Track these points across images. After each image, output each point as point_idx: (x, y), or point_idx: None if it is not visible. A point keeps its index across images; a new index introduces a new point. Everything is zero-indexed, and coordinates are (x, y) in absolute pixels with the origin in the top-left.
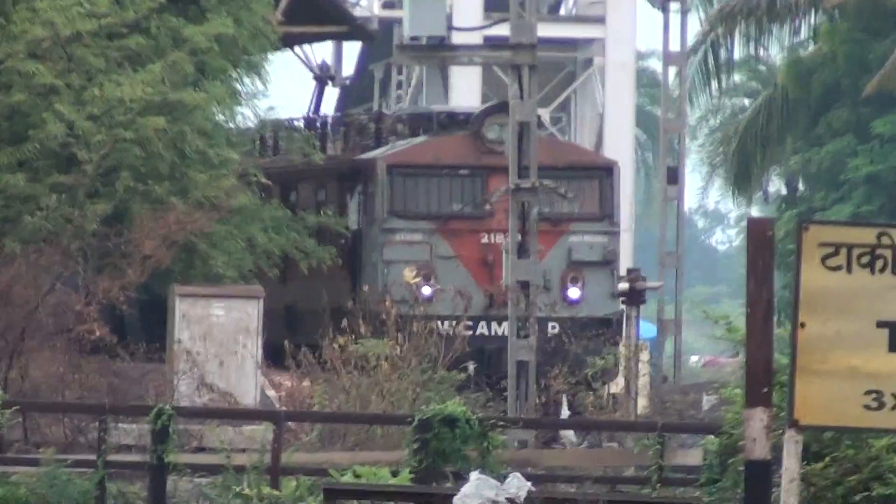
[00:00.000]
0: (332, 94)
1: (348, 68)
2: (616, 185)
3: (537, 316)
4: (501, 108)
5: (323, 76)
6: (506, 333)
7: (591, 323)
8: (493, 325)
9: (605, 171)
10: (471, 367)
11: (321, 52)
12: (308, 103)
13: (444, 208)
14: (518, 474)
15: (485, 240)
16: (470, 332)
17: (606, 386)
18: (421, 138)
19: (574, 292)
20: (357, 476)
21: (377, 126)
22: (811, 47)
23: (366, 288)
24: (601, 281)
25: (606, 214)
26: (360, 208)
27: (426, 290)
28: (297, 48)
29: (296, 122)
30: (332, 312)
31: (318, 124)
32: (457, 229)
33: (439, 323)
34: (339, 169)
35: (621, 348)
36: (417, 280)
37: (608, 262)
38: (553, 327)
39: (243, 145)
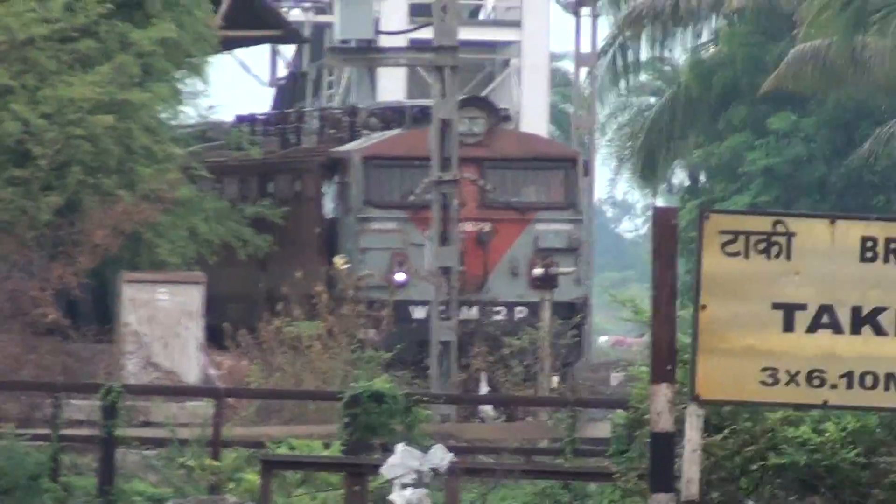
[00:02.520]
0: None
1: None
2: (580, 175)
3: (505, 301)
4: (471, 102)
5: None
6: (474, 315)
7: (557, 307)
8: (465, 308)
9: (570, 162)
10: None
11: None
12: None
13: (416, 198)
14: (441, 446)
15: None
16: (443, 315)
17: (525, 364)
18: (394, 131)
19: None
20: (292, 448)
21: (351, 120)
22: (712, 49)
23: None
24: (566, 266)
25: (571, 203)
26: (336, 198)
27: (400, 277)
28: (235, 51)
29: (261, 118)
30: (308, 297)
31: (290, 119)
32: (429, 218)
33: (412, 307)
34: (315, 161)
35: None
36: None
37: (573, 248)
38: (520, 311)
39: (187, 142)
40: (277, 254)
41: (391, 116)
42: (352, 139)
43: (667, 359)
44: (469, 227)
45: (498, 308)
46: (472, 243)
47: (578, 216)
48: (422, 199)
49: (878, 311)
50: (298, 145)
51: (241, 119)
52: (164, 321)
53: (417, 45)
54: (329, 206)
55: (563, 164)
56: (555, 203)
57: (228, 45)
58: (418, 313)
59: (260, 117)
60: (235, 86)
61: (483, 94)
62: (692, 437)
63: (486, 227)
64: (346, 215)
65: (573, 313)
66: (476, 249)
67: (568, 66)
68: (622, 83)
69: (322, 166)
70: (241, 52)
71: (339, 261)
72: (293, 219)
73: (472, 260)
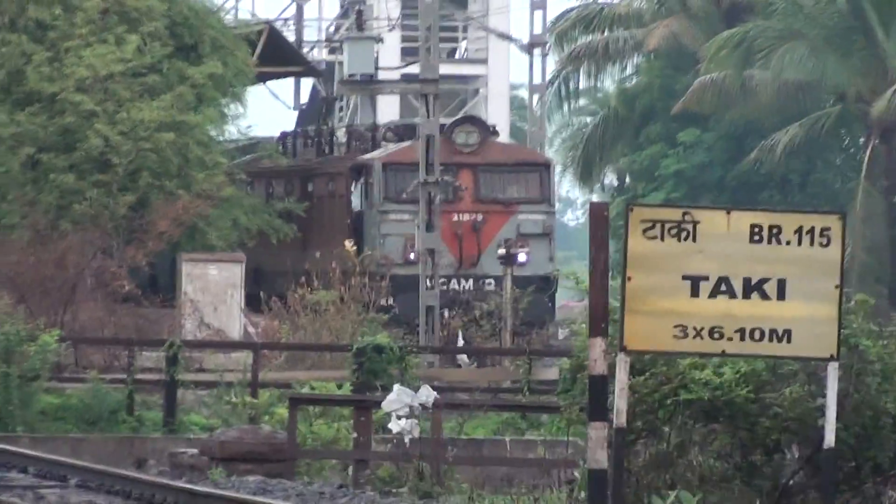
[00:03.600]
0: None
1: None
2: (552, 176)
3: (494, 275)
4: (467, 120)
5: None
6: (469, 287)
7: (535, 279)
8: (462, 281)
9: (545, 167)
10: (446, 312)
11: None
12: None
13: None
14: (427, 386)
15: (455, 218)
16: (444, 286)
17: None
18: (407, 143)
19: (522, 256)
20: (313, 388)
21: (373, 134)
22: (634, 80)
23: (368, 252)
24: (542, 248)
25: (545, 198)
26: (361, 195)
27: (412, 256)
28: (267, 83)
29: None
30: (343, 273)
31: (324, 134)
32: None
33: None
34: (345, 167)
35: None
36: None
37: (547, 234)
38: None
39: (232, 154)
40: (316, 238)
41: (404, 132)
42: (373, 149)
43: (601, 318)
44: (466, 217)
45: (489, 280)
46: (468, 230)
47: (551, 209)
48: (448, 192)
49: (763, 281)
50: (331, 154)
51: (285, 135)
52: (213, 291)
53: (408, 78)
54: (356, 202)
55: (538, 168)
56: (533, 198)
57: (262, 78)
58: (427, 285)
59: (300, 133)
60: (267, 109)
61: (458, 116)
62: (621, 378)
63: (479, 217)
64: (369, 209)
65: (547, 283)
66: (471, 235)
67: (524, 93)
68: (565, 107)
69: (351, 170)
70: (271, 84)
71: (348, 245)
72: (328, 211)
73: (467, 243)
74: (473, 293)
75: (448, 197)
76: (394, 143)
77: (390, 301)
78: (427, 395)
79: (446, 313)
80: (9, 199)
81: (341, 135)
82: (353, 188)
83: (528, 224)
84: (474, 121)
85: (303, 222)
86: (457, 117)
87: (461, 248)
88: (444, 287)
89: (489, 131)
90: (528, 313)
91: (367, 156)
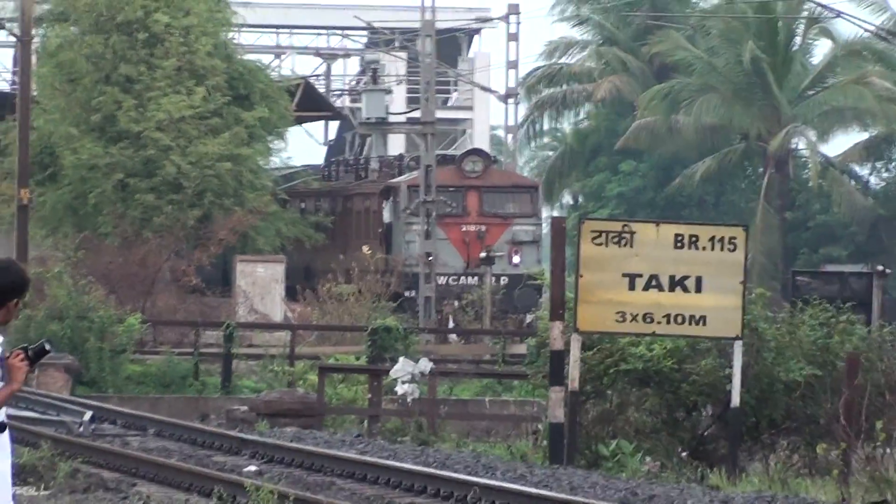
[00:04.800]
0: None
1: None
2: (540, 196)
3: (494, 273)
4: (474, 151)
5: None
6: (472, 283)
7: (526, 276)
8: (469, 278)
9: (534, 188)
10: (456, 303)
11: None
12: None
13: (440, 210)
14: (425, 358)
15: (464, 228)
16: (455, 282)
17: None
18: None
19: (516, 259)
20: (337, 360)
21: (399, 163)
22: (586, 122)
23: (378, 255)
24: (531, 252)
25: (534, 213)
26: (391, 211)
27: (431, 258)
28: (304, 125)
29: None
30: (361, 271)
31: (361, 164)
32: (447, 223)
33: (438, 277)
34: (378, 188)
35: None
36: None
37: (535, 241)
38: (504, 280)
39: (276, 180)
40: (354, 244)
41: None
42: (399, 175)
43: (559, 306)
44: (472, 228)
45: (491, 278)
46: (474, 238)
47: (538, 222)
48: (443, 209)
49: (685, 278)
50: (366, 178)
51: (329, 163)
52: (260, 284)
53: (411, 121)
54: (386, 216)
55: (529, 190)
56: (524, 213)
57: (299, 120)
58: (440, 280)
59: (341, 161)
60: (303, 145)
61: (450, 150)
62: (574, 352)
63: (483, 228)
64: (396, 221)
65: (535, 280)
66: (476, 242)
67: (501, 133)
68: (533, 143)
69: (382, 191)
70: (306, 125)
71: (365, 248)
72: (364, 223)
73: (474, 248)
74: (476, 287)
75: (458, 212)
76: (415, 171)
77: (412, 293)
78: (425, 365)
79: (456, 303)
80: (104, 214)
81: (374, 163)
82: (384, 205)
83: (520, 233)
84: (479, 152)
85: (344, 232)
86: (467, 150)
87: (469, 253)
88: (456, 282)
89: (491, 161)
90: (520, 302)
91: (395, 180)
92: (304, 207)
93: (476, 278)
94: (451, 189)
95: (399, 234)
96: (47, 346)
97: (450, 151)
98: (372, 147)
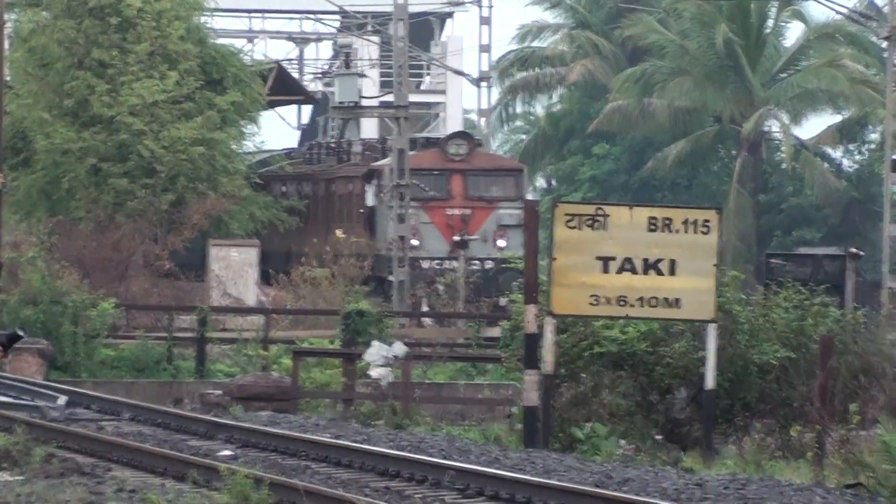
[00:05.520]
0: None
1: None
2: (525, 179)
3: (479, 256)
4: (458, 134)
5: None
6: (461, 266)
7: (499, 261)
8: (453, 262)
9: (518, 171)
10: (440, 287)
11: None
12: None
13: (417, 195)
14: (399, 342)
15: (448, 212)
16: (440, 266)
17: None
18: (411, 153)
19: (502, 243)
20: (311, 344)
21: (382, 146)
22: (559, 106)
23: (349, 238)
24: (516, 236)
25: (519, 196)
26: (374, 194)
27: (414, 242)
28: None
29: (327, 145)
30: (358, 256)
31: (343, 147)
32: (432, 206)
33: (422, 261)
34: (362, 171)
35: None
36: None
37: (520, 225)
38: (488, 263)
39: (251, 164)
40: (337, 227)
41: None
42: (383, 157)
43: (533, 289)
44: (457, 212)
45: (475, 261)
46: (459, 222)
47: (523, 205)
48: (429, 193)
49: (658, 261)
50: (349, 161)
51: (310, 145)
52: (234, 268)
53: (384, 105)
54: (370, 199)
55: (514, 173)
56: (509, 197)
57: (272, 104)
58: (425, 264)
59: (323, 144)
60: (276, 129)
61: (423, 133)
62: (548, 336)
63: (468, 211)
64: (380, 205)
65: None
66: (461, 225)
67: (474, 116)
68: (506, 127)
69: (366, 174)
70: (279, 109)
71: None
72: (347, 206)
73: (459, 232)
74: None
75: (443, 196)
76: None
77: (390, 277)
78: (399, 349)
79: (441, 288)
80: (77, 198)
81: (357, 146)
82: (367, 188)
83: (506, 217)
84: (464, 135)
85: (326, 215)
86: (451, 132)
87: (453, 236)
88: (439, 266)
89: (476, 143)
90: (504, 286)
91: (379, 163)
92: (285, 191)
93: (461, 262)
94: (435, 172)
95: (383, 218)
96: (20, 332)
97: (423, 134)
98: (344, 131)
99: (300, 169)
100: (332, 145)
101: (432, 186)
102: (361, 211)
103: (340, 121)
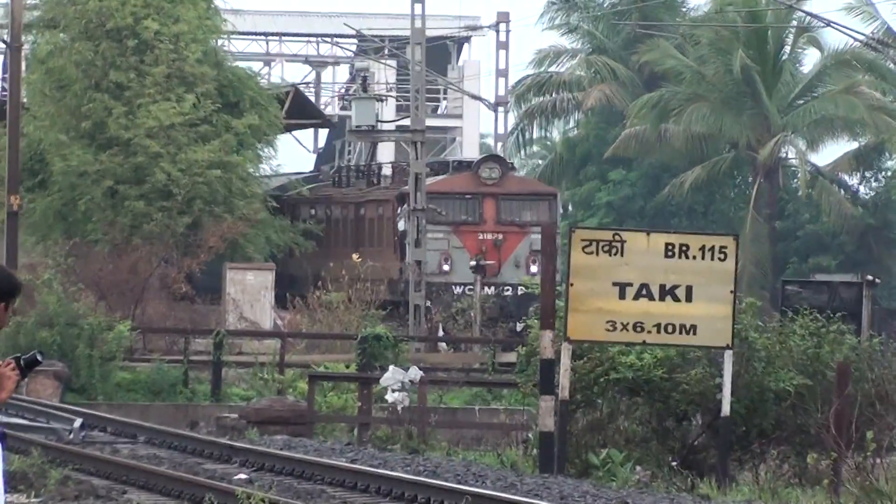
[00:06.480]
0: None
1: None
2: (558, 204)
3: (511, 282)
4: (491, 158)
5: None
6: (486, 291)
7: (528, 285)
8: (486, 288)
9: (552, 196)
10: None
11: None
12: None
13: (456, 218)
14: (415, 367)
15: (480, 237)
16: (471, 291)
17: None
18: (442, 176)
19: (534, 268)
20: (327, 368)
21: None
22: (575, 131)
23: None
24: None
25: (553, 221)
26: (406, 217)
27: (445, 267)
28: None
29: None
30: (389, 281)
31: (373, 170)
32: (463, 230)
33: (452, 286)
34: (393, 194)
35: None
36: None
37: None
38: (520, 289)
39: (265, 184)
40: (369, 252)
41: (438, 167)
42: None
43: (550, 315)
44: (489, 236)
45: (507, 287)
46: (491, 247)
47: (557, 231)
48: (459, 218)
49: (675, 286)
50: (379, 185)
51: (339, 168)
52: (250, 292)
53: (401, 129)
54: (401, 224)
55: (548, 198)
56: (543, 222)
57: (288, 128)
58: (457, 290)
59: (353, 167)
60: (292, 152)
61: (440, 157)
62: (565, 361)
63: (500, 236)
64: (412, 228)
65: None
66: (493, 250)
67: (490, 141)
68: (522, 152)
69: (397, 197)
70: (296, 133)
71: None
72: (378, 230)
73: (490, 257)
74: (495, 297)
75: (475, 220)
76: (431, 177)
77: (428, 303)
78: (415, 373)
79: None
80: (93, 220)
81: (386, 169)
82: (398, 212)
83: (539, 242)
84: (497, 158)
85: (356, 238)
86: (483, 156)
87: (470, 261)
88: (472, 292)
89: (508, 167)
90: (523, 311)
91: (410, 186)
92: (313, 213)
93: (492, 288)
94: (467, 196)
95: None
96: (39, 357)
97: (439, 158)
98: (361, 155)
99: (327, 191)
100: (362, 168)
101: (464, 211)
102: (395, 237)
103: (370, 144)
